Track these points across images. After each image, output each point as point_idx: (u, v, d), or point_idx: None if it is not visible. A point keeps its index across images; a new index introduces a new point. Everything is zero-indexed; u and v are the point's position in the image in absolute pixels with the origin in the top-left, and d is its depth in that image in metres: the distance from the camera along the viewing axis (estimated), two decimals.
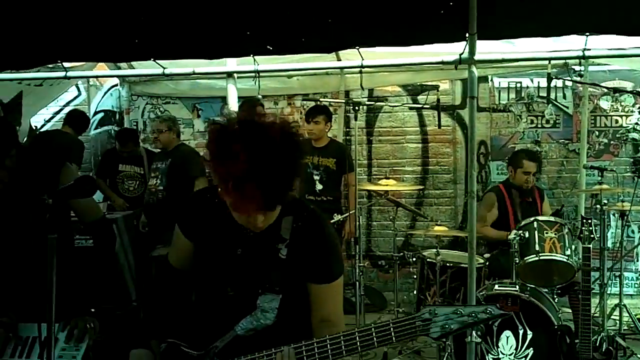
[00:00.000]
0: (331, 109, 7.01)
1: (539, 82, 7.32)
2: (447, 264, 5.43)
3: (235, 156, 1.97)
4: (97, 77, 7.93)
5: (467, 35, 3.90)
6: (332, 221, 6.30)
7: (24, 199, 2.94)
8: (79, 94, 8.14)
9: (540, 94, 7.35)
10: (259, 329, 2.26)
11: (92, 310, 3.06)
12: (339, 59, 6.07)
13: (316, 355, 2.07)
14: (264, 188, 1.98)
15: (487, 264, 5.39)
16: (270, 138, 2.02)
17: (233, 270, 2.30)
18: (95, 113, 8.44)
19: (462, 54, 4.32)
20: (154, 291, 2.63)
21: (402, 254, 6.58)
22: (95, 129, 8.46)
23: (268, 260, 2.26)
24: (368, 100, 6.67)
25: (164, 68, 4.99)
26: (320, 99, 6.78)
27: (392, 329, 2.02)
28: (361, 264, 5.54)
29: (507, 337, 4.57)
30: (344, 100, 6.74)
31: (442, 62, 4.74)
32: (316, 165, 6.44)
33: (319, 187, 6.44)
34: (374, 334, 2.03)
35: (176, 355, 2.35)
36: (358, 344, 2.04)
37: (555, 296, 5.00)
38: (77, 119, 7.02)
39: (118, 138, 7.29)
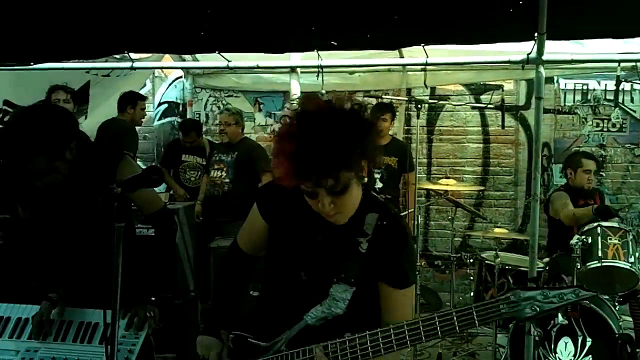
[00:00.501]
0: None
1: (606, 85, 7.18)
2: (506, 267, 5.36)
3: (291, 131, 2.03)
4: (162, 68, 8.05)
5: (535, 34, 3.83)
6: None
7: (85, 190, 2.99)
8: (144, 86, 8.26)
9: (607, 97, 7.19)
10: (329, 317, 2.25)
11: (153, 299, 3.11)
12: (401, 56, 6.04)
13: (406, 336, 2.08)
14: (317, 158, 1.98)
15: (547, 268, 5.31)
16: (330, 111, 2.06)
17: (310, 255, 2.30)
18: (159, 104, 8.59)
19: (529, 53, 4.25)
20: (221, 279, 2.64)
21: (459, 254, 6.53)
22: (159, 120, 8.62)
23: (347, 251, 2.25)
24: (430, 99, 6.60)
25: (229, 61, 5.04)
26: (382, 96, 6.76)
27: (474, 312, 2.00)
28: (418, 263, 5.51)
29: (566, 343, 4.50)
30: (406, 98, 6.70)
31: (509, 62, 4.65)
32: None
33: (379, 185, 6.44)
34: (454, 317, 2.02)
35: (244, 346, 2.37)
36: (438, 328, 2.03)
37: (616, 304, 4.90)
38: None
39: (181, 128, 7.40)
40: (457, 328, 2.02)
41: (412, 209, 6.19)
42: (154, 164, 7.89)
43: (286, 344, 2.27)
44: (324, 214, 2.16)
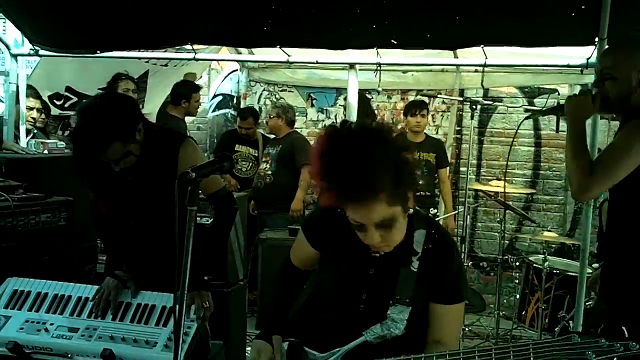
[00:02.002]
0: (444, 106, 7.00)
1: None
2: (554, 271, 5.34)
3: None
4: (222, 60, 8.15)
5: (596, 39, 3.82)
6: (438, 219, 6.34)
7: (153, 170, 3.10)
8: (200, 77, 8.38)
9: None
10: (388, 337, 2.26)
11: (206, 278, 3.19)
12: (456, 57, 6.04)
13: None
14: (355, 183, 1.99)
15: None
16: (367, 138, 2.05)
17: (365, 289, 2.32)
18: (214, 96, 8.71)
19: (589, 58, 4.23)
20: (277, 288, 2.66)
21: (506, 257, 6.52)
22: (213, 111, 8.74)
23: (400, 273, 2.27)
24: (484, 100, 6.59)
25: (289, 55, 5.10)
26: (436, 96, 6.78)
27: (531, 350, 1.93)
28: (465, 264, 5.51)
29: None
30: (461, 98, 6.71)
31: (569, 66, 4.64)
32: (417, 160, 6.47)
33: (420, 181, 6.47)
34: (511, 352, 1.94)
35: (299, 354, 2.42)
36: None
37: None
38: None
39: (240, 113, 7.51)
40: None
41: (460, 210, 6.21)
42: (206, 154, 8.01)
43: (342, 356, 2.29)
44: (371, 245, 2.19)
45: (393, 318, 2.24)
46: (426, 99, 7.08)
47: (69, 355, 2.93)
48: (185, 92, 6.63)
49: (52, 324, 3.03)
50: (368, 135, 2.06)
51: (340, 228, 2.29)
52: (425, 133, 6.78)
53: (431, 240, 2.29)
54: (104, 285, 3.13)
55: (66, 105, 6.47)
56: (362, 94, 6.54)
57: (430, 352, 2.22)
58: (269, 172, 6.71)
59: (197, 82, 7.25)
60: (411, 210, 2.22)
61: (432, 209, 6.46)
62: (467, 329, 6.36)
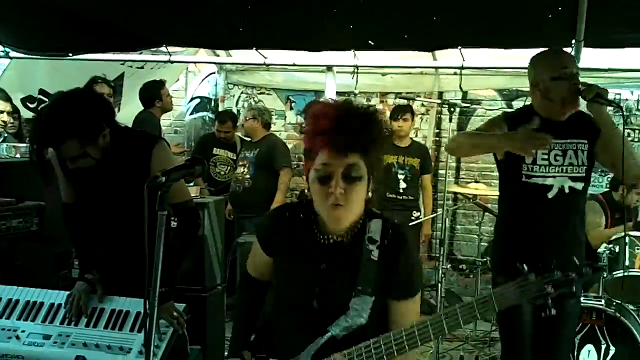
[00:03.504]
0: (423, 109, 7.00)
1: (639, 95, 7.11)
2: None
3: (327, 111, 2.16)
4: (199, 62, 8.09)
5: (573, 41, 3.83)
6: (415, 222, 6.35)
7: (120, 175, 3.03)
8: (177, 80, 8.34)
9: (639, 107, 7.14)
10: (353, 328, 2.25)
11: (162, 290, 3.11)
12: (434, 59, 6.05)
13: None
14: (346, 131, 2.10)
15: None
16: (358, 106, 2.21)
17: (317, 283, 2.30)
18: (192, 99, 8.67)
19: None
20: (238, 304, 2.65)
21: (485, 259, 6.52)
22: (191, 114, 8.69)
23: (359, 263, 2.26)
24: (463, 102, 6.59)
25: (265, 58, 5.08)
26: (415, 98, 6.78)
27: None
28: (444, 266, 5.51)
29: (589, 351, 4.49)
30: (439, 101, 6.70)
31: None
32: (402, 164, 6.52)
33: (403, 185, 6.52)
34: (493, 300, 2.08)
35: None
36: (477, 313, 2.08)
37: None
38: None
39: (218, 117, 7.50)
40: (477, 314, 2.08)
41: (438, 212, 6.22)
42: (184, 158, 7.95)
43: (313, 356, 2.27)
44: (331, 207, 2.16)
45: (356, 308, 2.23)
46: (406, 102, 7.09)
47: None
48: (154, 92, 6.55)
49: (23, 331, 2.99)
50: (365, 106, 2.24)
51: (290, 230, 2.32)
52: (411, 138, 6.78)
53: (387, 230, 2.29)
54: (74, 289, 3.10)
55: (39, 108, 6.39)
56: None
57: None
58: (247, 176, 6.67)
59: (174, 85, 7.21)
60: (370, 194, 2.25)
61: (414, 212, 6.49)
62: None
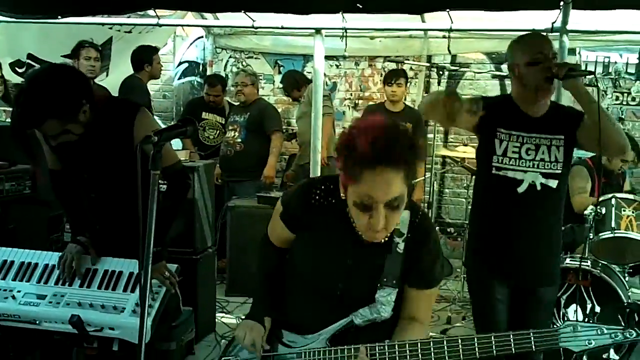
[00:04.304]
0: (412, 72, 7.00)
1: (628, 58, 7.14)
2: None
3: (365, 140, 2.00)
4: (187, 25, 8.03)
5: (561, 3, 3.84)
6: None
7: (105, 143, 3.04)
8: (165, 44, 8.29)
9: (629, 70, 7.17)
10: (377, 321, 2.25)
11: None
12: (423, 22, 6.04)
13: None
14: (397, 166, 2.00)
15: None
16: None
17: (342, 279, 2.29)
18: (180, 64, 8.63)
19: (554, 22, 4.25)
20: (259, 268, 2.60)
21: None
22: (179, 79, 8.66)
23: (385, 256, 2.25)
24: (451, 66, 6.60)
25: (254, 20, 5.06)
26: (404, 62, 6.77)
27: (532, 337, 2.07)
28: None
29: (575, 311, 4.56)
30: (428, 64, 6.71)
31: (533, 30, 4.66)
32: None
33: None
34: (512, 341, 2.07)
35: (277, 336, 2.39)
36: (494, 349, 2.09)
37: (626, 275, 4.95)
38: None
39: (208, 80, 7.48)
40: (513, 350, 2.07)
41: (426, 176, 6.24)
42: (172, 122, 7.94)
43: (329, 339, 2.27)
44: (370, 231, 2.11)
45: (381, 301, 2.23)
46: (395, 65, 7.08)
47: (37, 322, 2.94)
48: (144, 56, 6.56)
49: (19, 292, 3.03)
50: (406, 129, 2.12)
51: (320, 213, 2.27)
52: (404, 103, 6.75)
53: (414, 222, 2.27)
54: (66, 251, 3.13)
55: (29, 72, 6.36)
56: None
57: (405, 328, 2.29)
58: (239, 140, 6.68)
59: (162, 50, 7.16)
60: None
61: None
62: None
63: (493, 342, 2.08)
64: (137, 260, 2.92)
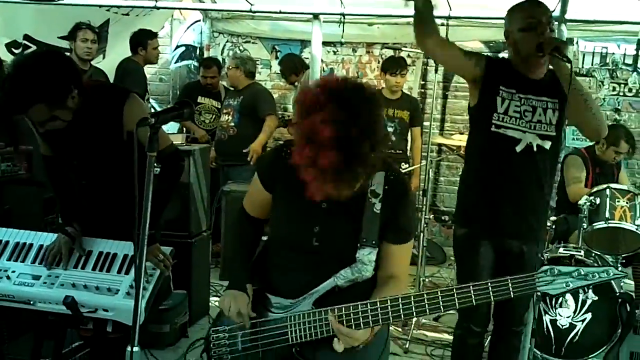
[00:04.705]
0: (409, 60, 6.98)
1: (625, 49, 7.14)
2: None
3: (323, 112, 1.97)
4: (185, 9, 8.01)
5: None
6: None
7: (95, 129, 3.03)
8: (163, 27, 8.25)
9: (626, 61, 7.17)
10: (359, 281, 2.28)
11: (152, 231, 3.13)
12: None
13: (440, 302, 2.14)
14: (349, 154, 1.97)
15: (553, 226, 5.38)
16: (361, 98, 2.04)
17: (317, 222, 2.31)
18: (177, 47, 8.60)
19: (553, 10, 4.23)
20: (235, 240, 2.64)
21: None
22: (176, 62, 8.63)
23: (363, 214, 2.28)
24: None
25: (252, 5, 5.04)
26: (401, 49, 6.76)
27: (510, 283, 2.07)
28: (426, 217, 5.57)
29: (567, 300, 4.58)
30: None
31: None
32: (391, 117, 6.46)
33: (392, 139, 6.46)
34: (490, 289, 2.08)
35: (262, 301, 2.41)
36: (473, 298, 2.09)
37: (619, 265, 4.97)
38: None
39: (204, 62, 7.47)
40: (491, 298, 2.09)
41: (422, 164, 6.25)
42: (168, 106, 7.92)
43: (314, 302, 2.29)
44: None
45: (362, 260, 2.26)
46: (392, 52, 7.07)
47: (32, 302, 2.95)
48: (140, 39, 6.56)
49: (14, 272, 3.04)
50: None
51: (293, 168, 2.21)
52: (401, 90, 6.75)
53: (389, 181, 2.30)
54: (55, 241, 3.13)
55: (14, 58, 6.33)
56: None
57: (384, 284, 2.32)
58: (232, 124, 6.67)
59: (159, 33, 7.14)
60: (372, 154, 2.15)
61: (403, 164, 6.50)
62: (427, 280, 6.47)
63: (472, 292, 2.09)
64: (132, 242, 2.96)
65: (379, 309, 2.16)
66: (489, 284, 2.09)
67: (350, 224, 2.28)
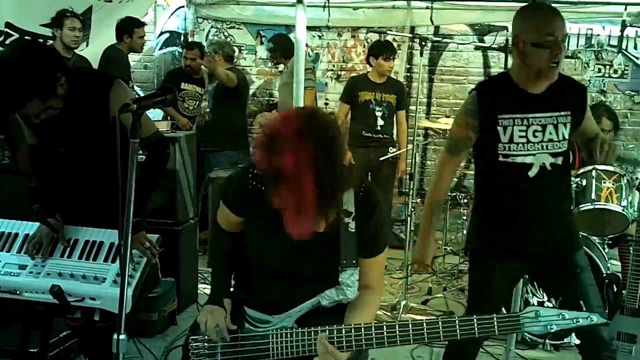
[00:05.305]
0: (395, 44, 6.97)
1: (610, 30, 7.13)
2: None
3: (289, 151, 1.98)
4: None
5: None
6: (387, 156, 6.37)
7: (82, 115, 3.01)
8: (146, 14, 8.18)
9: (611, 43, 7.19)
10: (344, 302, 2.30)
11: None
12: None
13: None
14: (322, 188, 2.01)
15: None
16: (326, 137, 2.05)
17: (296, 257, 2.31)
18: (161, 34, 8.54)
19: None
20: (213, 253, 2.66)
21: (454, 194, 6.64)
22: (160, 49, 8.58)
23: (339, 238, 2.27)
24: (434, 37, 6.57)
25: None
26: (386, 33, 6.74)
27: (495, 322, 2.10)
28: (414, 201, 5.58)
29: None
30: (410, 35, 6.67)
31: (518, 1, 4.65)
32: (379, 101, 6.44)
33: (381, 123, 6.45)
34: (475, 325, 2.11)
35: (240, 313, 2.42)
36: (458, 333, 2.12)
37: (605, 246, 5.00)
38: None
39: (187, 44, 7.51)
40: (476, 334, 2.12)
41: (408, 148, 6.25)
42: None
43: (296, 320, 2.31)
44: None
45: (346, 283, 2.26)
46: (378, 36, 7.05)
47: (18, 292, 2.95)
48: (126, 27, 6.53)
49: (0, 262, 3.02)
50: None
51: (258, 199, 2.23)
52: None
53: (359, 198, 2.30)
54: (37, 231, 3.12)
55: (7, 42, 6.25)
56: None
57: (361, 296, 2.33)
58: (207, 110, 6.66)
59: (143, 19, 7.08)
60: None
61: (391, 148, 6.49)
62: (415, 265, 6.47)
63: (457, 326, 2.11)
64: (117, 230, 2.94)
65: (362, 334, 2.17)
66: (475, 319, 2.11)
67: (328, 247, 2.28)
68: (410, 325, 2.14)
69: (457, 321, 2.11)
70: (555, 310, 2.08)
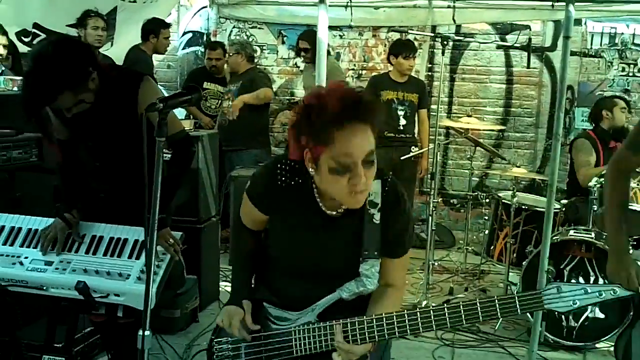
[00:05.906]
0: (416, 43, 6.97)
1: (634, 29, 7.09)
2: (523, 206, 5.44)
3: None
4: None
5: None
6: (409, 155, 6.36)
7: (112, 112, 3.06)
8: (170, 14, 8.25)
9: (635, 41, 7.13)
10: (364, 294, 2.29)
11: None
12: None
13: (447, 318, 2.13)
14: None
15: (563, 209, 5.38)
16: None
17: (320, 253, 2.31)
18: (184, 34, 8.60)
19: None
20: (234, 252, 2.64)
21: (476, 193, 6.63)
22: (183, 49, 8.64)
23: (362, 228, 2.26)
24: (456, 36, 6.55)
25: None
26: (408, 32, 6.73)
27: (517, 301, 2.06)
28: (435, 200, 5.57)
29: (577, 283, 4.58)
30: (432, 34, 6.66)
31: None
32: (401, 100, 6.45)
33: (403, 122, 6.46)
34: (497, 306, 2.08)
35: (261, 312, 2.41)
36: (480, 314, 2.09)
37: (630, 247, 4.96)
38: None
39: (209, 44, 7.51)
40: (498, 314, 2.08)
41: (430, 147, 6.23)
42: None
43: (318, 314, 2.29)
44: (352, 194, 2.08)
45: (366, 274, 2.25)
46: (399, 35, 7.04)
47: (44, 288, 2.97)
48: (153, 27, 6.57)
49: (26, 258, 3.07)
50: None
51: (287, 194, 2.26)
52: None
53: (385, 190, 2.29)
54: (51, 225, 3.15)
55: (34, 42, 6.35)
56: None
57: (383, 293, 2.33)
58: (231, 109, 6.69)
59: (166, 19, 7.13)
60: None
61: (413, 147, 6.48)
62: (436, 264, 6.48)
63: (479, 308, 2.09)
64: (142, 227, 2.98)
65: (384, 324, 2.16)
66: (496, 300, 2.08)
67: (351, 240, 2.28)
68: (431, 312, 2.12)
69: (478, 303, 2.09)
70: (577, 285, 2.03)
